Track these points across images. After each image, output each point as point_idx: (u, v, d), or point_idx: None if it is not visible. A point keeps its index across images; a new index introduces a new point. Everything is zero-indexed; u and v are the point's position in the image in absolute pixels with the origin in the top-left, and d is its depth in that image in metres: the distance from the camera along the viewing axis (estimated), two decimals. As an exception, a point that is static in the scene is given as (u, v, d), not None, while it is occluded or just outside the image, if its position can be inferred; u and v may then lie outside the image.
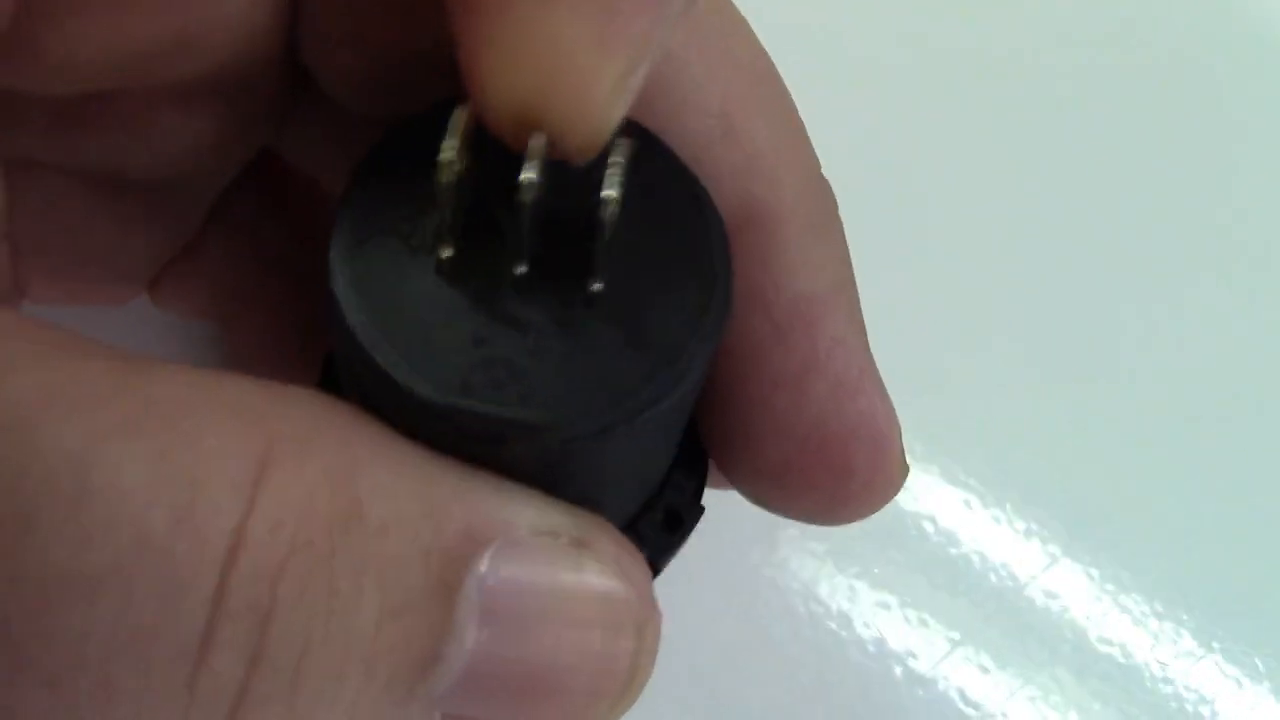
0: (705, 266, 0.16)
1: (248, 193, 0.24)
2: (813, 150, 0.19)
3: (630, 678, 0.16)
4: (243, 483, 0.13)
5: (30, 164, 0.20)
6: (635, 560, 0.16)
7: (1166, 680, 0.30)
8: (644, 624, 0.16)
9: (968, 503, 0.31)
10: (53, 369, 0.13)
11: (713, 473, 0.20)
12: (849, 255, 0.19)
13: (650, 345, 0.15)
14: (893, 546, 0.30)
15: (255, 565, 0.13)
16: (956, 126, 0.36)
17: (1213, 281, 0.35)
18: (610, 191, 0.15)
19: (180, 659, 0.13)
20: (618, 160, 0.15)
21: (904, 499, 0.30)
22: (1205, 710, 0.30)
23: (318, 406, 0.14)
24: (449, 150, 0.14)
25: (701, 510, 0.19)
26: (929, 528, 0.31)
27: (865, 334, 0.19)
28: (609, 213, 0.15)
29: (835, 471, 0.18)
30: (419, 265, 0.15)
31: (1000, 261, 0.35)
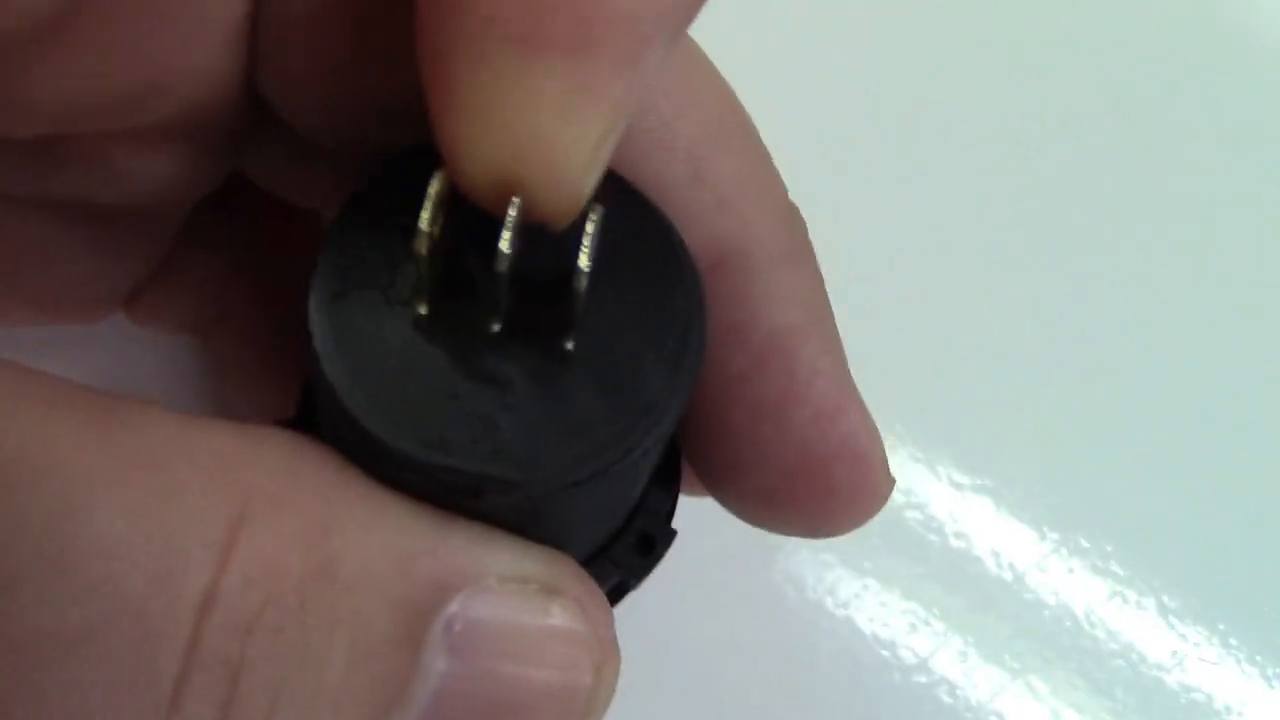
0: (679, 321, 0.16)
1: (219, 209, 0.24)
2: (780, 181, 0.20)
3: (586, 713, 0.16)
4: (217, 540, 0.13)
5: None
6: (599, 603, 0.17)
7: (1159, 675, 0.30)
8: (603, 664, 0.16)
9: (956, 496, 0.32)
10: (29, 424, 0.13)
11: (694, 481, 0.21)
12: (822, 280, 0.20)
13: (623, 399, 0.16)
14: (883, 541, 0.31)
15: (227, 619, 0.13)
16: (949, 123, 0.37)
17: (1209, 271, 0.36)
18: (583, 262, 0.15)
19: (155, 710, 0.13)
20: (590, 227, 0.15)
21: (894, 496, 0.31)
22: (1199, 703, 0.30)
23: (294, 457, 0.15)
24: (425, 221, 0.15)
25: (673, 533, 0.20)
26: (916, 522, 0.31)
27: (843, 354, 0.20)
28: (580, 282, 0.15)
29: (821, 493, 0.19)
30: (396, 318, 0.16)
31: (997, 258, 0.35)
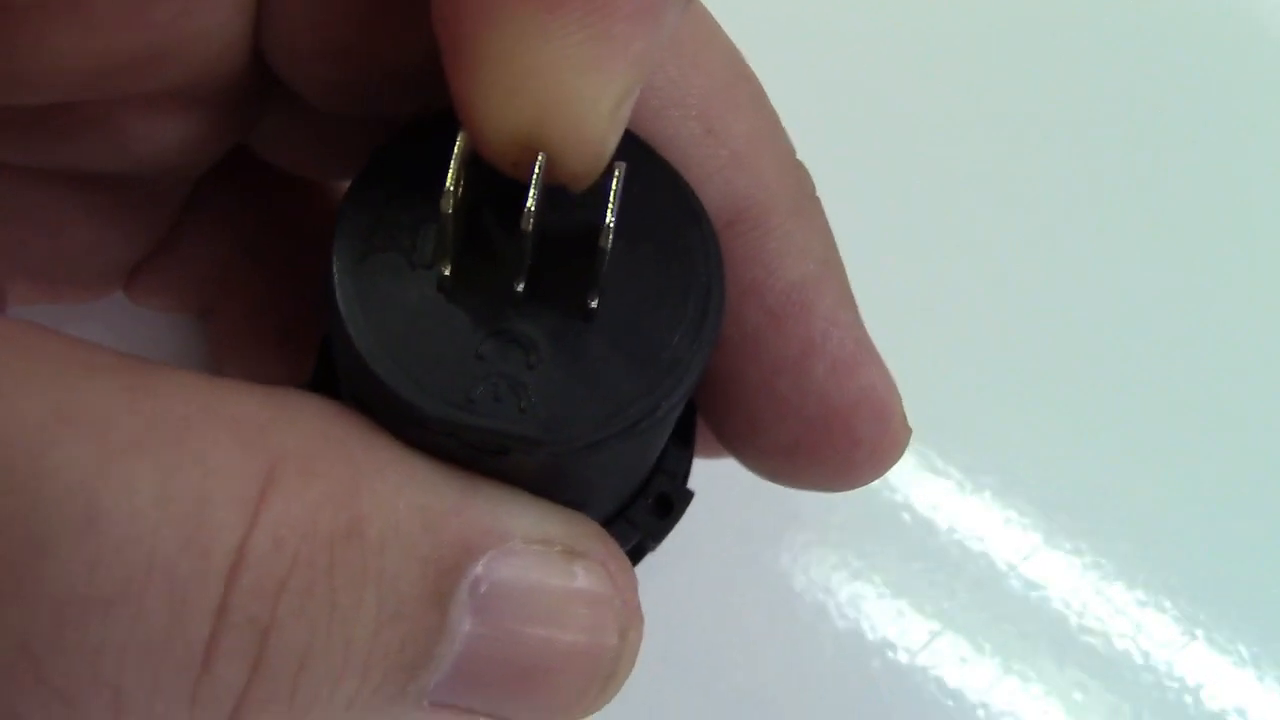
0: (699, 278, 0.17)
1: (223, 183, 0.24)
2: (788, 138, 0.20)
3: (611, 675, 0.17)
4: (246, 501, 0.14)
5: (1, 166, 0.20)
6: (623, 567, 0.17)
7: (1148, 668, 0.31)
8: (627, 627, 0.17)
9: (948, 491, 0.32)
10: (62, 388, 0.14)
11: (705, 443, 0.21)
12: (831, 233, 0.20)
13: (646, 357, 0.16)
14: (872, 536, 0.31)
15: (257, 580, 0.14)
16: (952, 118, 0.37)
17: (1207, 264, 0.36)
18: (609, 219, 0.15)
19: (185, 669, 0.14)
20: (614, 184, 0.15)
21: (883, 488, 0.31)
22: (1188, 697, 0.31)
23: (322, 420, 0.15)
24: (451, 180, 0.15)
25: (690, 494, 0.20)
26: (907, 517, 0.31)
27: (856, 307, 0.20)
28: (606, 239, 0.15)
29: (842, 445, 0.19)
30: (420, 280, 0.16)
31: (996, 252, 0.35)
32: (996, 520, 0.32)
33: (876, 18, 0.38)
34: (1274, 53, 0.39)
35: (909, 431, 0.20)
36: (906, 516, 0.31)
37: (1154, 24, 0.39)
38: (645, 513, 0.20)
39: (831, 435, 0.19)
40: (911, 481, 0.32)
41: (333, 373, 0.18)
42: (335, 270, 0.16)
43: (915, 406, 0.32)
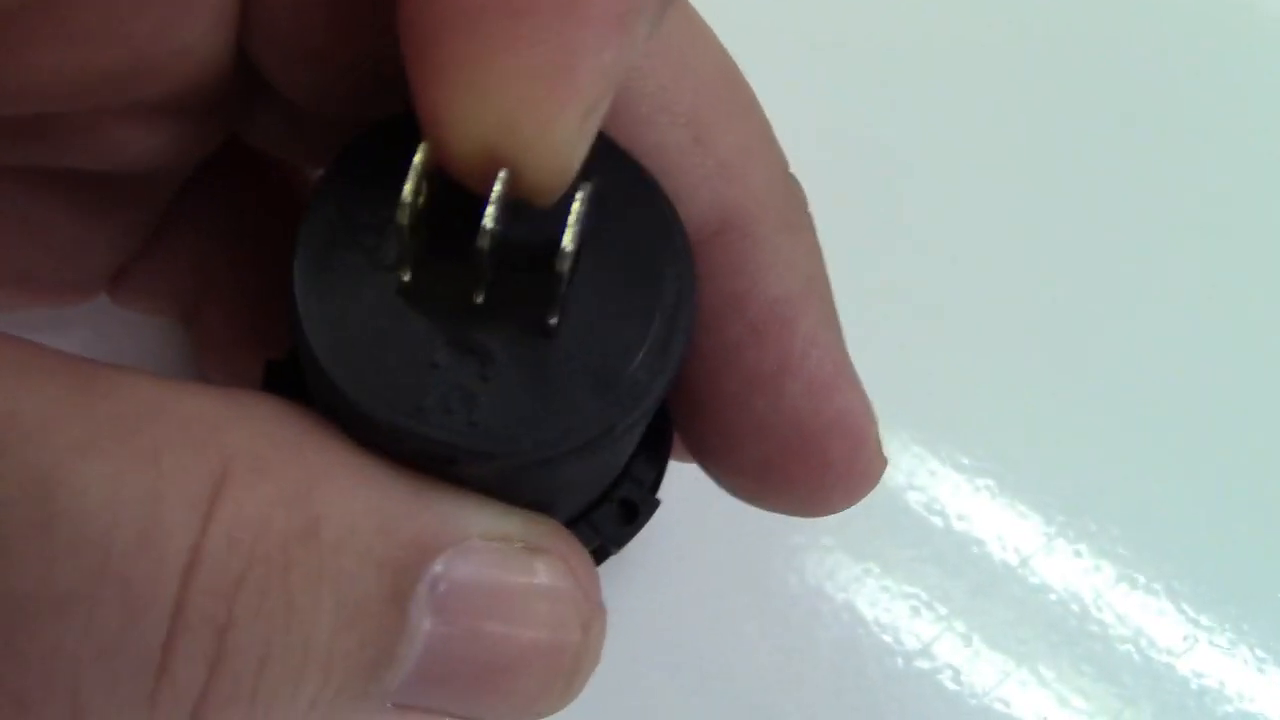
0: (668, 297, 0.16)
1: (208, 186, 0.24)
2: (780, 150, 0.20)
3: (575, 670, 0.17)
4: (199, 500, 0.14)
5: None
6: (584, 563, 0.17)
7: (1150, 672, 0.30)
8: (590, 622, 0.17)
9: (946, 493, 0.32)
10: (14, 390, 0.14)
11: (681, 447, 0.21)
12: (820, 251, 0.20)
13: (606, 377, 0.16)
14: (867, 540, 0.31)
15: (212, 579, 0.14)
16: (947, 110, 0.37)
17: (1212, 250, 0.36)
18: (567, 243, 0.15)
19: (143, 670, 0.14)
20: (577, 206, 0.15)
21: (880, 491, 0.31)
22: (1203, 694, 0.31)
23: (275, 420, 0.15)
24: (408, 192, 0.15)
25: (657, 503, 0.20)
26: (904, 519, 0.31)
27: (839, 329, 0.20)
28: (564, 263, 0.15)
29: (814, 468, 0.19)
30: (380, 283, 0.16)
31: (1001, 242, 0.35)
32: (1010, 508, 0.32)
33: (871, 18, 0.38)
34: (1274, 52, 0.39)
35: (884, 462, 0.20)
36: (904, 519, 0.31)
37: (1154, 23, 0.39)
38: (609, 518, 0.19)
39: (803, 456, 0.19)
40: (923, 468, 0.32)
41: (298, 374, 0.18)
42: (296, 266, 0.16)
43: (929, 393, 0.33)
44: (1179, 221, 0.36)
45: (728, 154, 0.19)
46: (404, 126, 0.16)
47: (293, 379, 0.18)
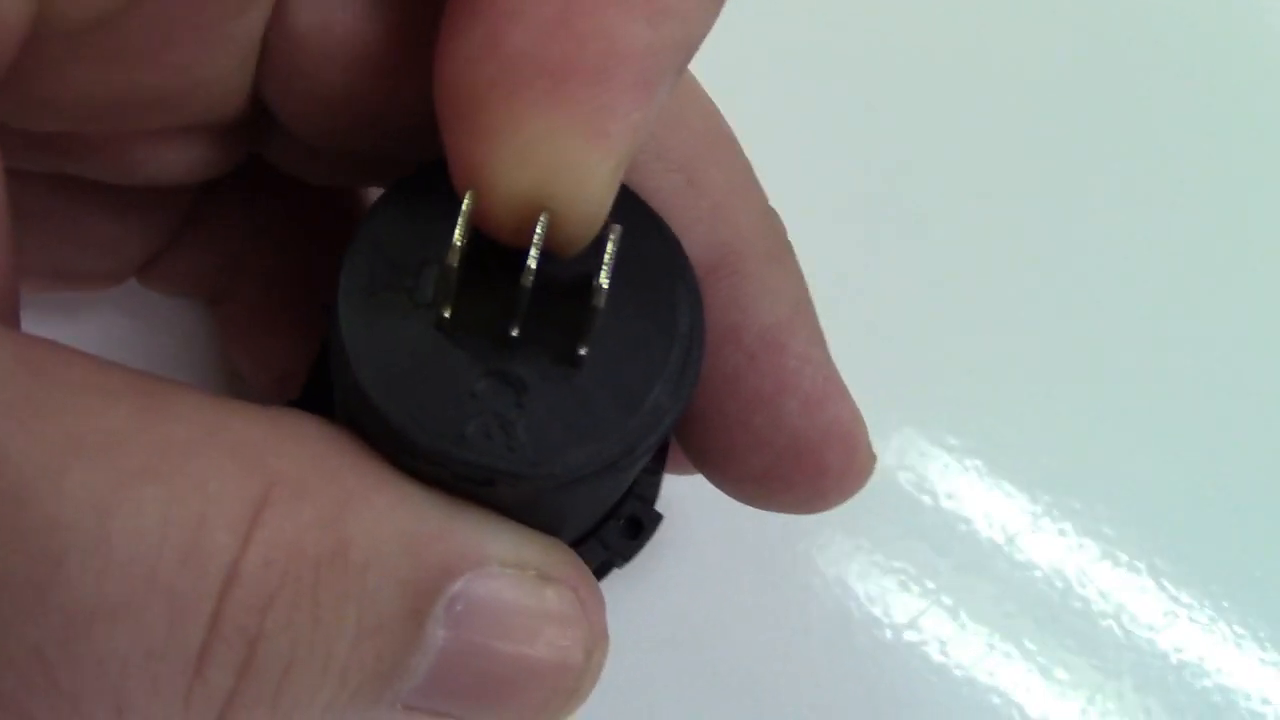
0: (682, 329, 0.18)
1: (233, 180, 0.26)
2: (760, 187, 0.22)
3: (575, 690, 0.18)
4: (241, 522, 0.15)
5: (15, 171, 0.22)
6: (592, 592, 0.19)
7: (1131, 646, 0.32)
8: (593, 648, 0.18)
9: (935, 472, 0.33)
10: (78, 413, 0.15)
11: (682, 461, 0.23)
12: (803, 275, 0.22)
13: (628, 403, 0.18)
14: (875, 502, 0.31)
15: (247, 595, 0.15)
16: (941, 109, 0.38)
17: (1196, 238, 0.37)
18: (604, 280, 0.17)
19: (181, 674, 0.15)
20: (611, 247, 0.17)
21: (885, 459, 0.32)
22: (1183, 668, 0.32)
23: (317, 443, 0.17)
24: (458, 236, 0.17)
25: (660, 517, 0.22)
26: (894, 497, 0.33)
27: (825, 343, 0.22)
28: (599, 299, 0.17)
29: (812, 474, 0.21)
30: (420, 317, 0.18)
31: (989, 230, 0.37)
32: (997, 486, 0.33)
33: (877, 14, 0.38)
34: (1274, 51, 0.40)
35: (874, 459, 0.22)
36: (894, 498, 0.33)
37: (1155, 22, 0.40)
38: (616, 533, 0.22)
39: (802, 465, 0.21)
40: (912, 447, 0.33)
41: (325, 391, 0.19)
42: (341, 305, 0.17)
43: (919, 374, 0.34)
44: (1157, 206, 0.37)
45: (718, 196, 0.21)
46: (430, 177, 0.18)
47: (315, 404, 0.19)
